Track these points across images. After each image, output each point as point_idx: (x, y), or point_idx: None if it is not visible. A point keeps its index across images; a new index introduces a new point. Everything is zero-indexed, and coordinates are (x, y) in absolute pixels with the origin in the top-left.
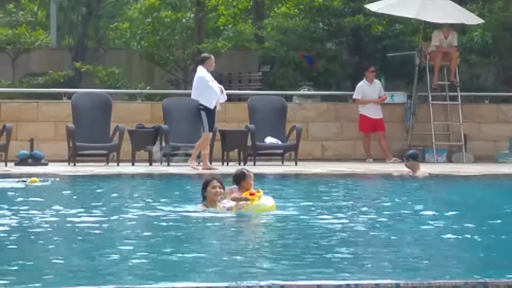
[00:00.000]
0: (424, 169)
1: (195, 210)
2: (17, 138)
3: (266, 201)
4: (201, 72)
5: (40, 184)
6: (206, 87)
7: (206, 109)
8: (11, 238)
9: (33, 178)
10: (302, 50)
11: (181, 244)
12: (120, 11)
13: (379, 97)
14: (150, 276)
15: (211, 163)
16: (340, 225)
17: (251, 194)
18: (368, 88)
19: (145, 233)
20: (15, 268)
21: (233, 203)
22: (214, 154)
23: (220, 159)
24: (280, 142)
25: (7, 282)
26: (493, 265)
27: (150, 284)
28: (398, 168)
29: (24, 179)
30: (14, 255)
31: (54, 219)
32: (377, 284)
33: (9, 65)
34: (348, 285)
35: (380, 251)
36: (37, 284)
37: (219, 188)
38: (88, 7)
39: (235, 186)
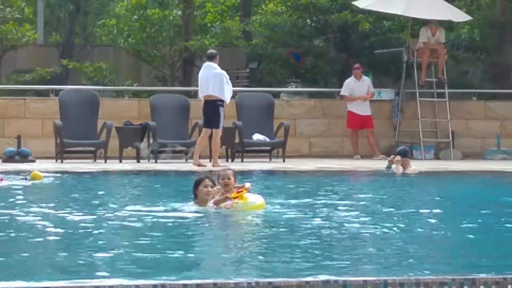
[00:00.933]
0: (415, 167)
1: (184, 207)
2: (4, 135)
3: (255, 199)
4: (219, 68)
5: (44, 181)
6: (228, 83)
7: (223, 105)
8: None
9: (37, 173)
10: (289, 46)
11: (169, 241)
12: (107, 7)
13: (367, 94)
14: (137, 273)
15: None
16: (328, 222)
17: (238, 192)
18: (356, 85)
19: (135, 231)
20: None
21: (224, 203)
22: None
23: (208, 156)
24: (267, 139)
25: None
26: (481, 262)
27: (137, 280)
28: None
29: (26, 176)
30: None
31: (53, 217)
32: (365, 281)
33: None
34: (336, 281)
35: (368, 248)
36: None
37: (211, 187)
38: (75, 3)
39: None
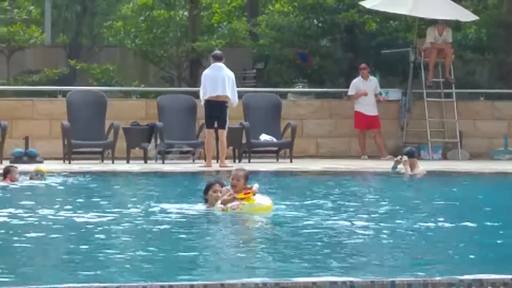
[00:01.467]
0: (423, 167)
1: (190, 208)
2: (12, 136)
3: (263, 201)
4: (228, 70)
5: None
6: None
7: (227, 106)
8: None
9: (41, 168)
10: (296, 47)
11: (176, 242)
12: (114, 8)
13: (375, 95)
14: (144, 273)
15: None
16: (335, 223)
17: (246, 194)
18: (363, 85)
19: (141, 231)
20: (17, 265)
21: (231, 204)
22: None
23: (215, 156)
24: (274, 140)
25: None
26: (489, 262)
27: (146, 281)
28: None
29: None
30: (16, 253)
31: (60, 218)
32: (372, 282)
33: (4, 62)
34: (343, 282)
35: (376, 249)
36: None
37: (220, 192)
38: (82, 4)
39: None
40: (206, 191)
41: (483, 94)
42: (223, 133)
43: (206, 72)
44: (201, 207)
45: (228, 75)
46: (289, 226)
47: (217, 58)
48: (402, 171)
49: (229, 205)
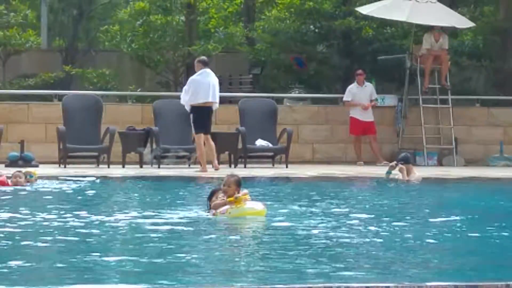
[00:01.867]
0: (419, 173)
1: (184, 213)
2: (8, 139)
3: (253, 205)
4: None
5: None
6: None
7: None
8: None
9: (30, 170)
10: (292, 52)
11: (166, 247)
12: (111, 12)
13: (371, 101)
14: (135, 278)
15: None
16: (330, 229)
17: (235, 198)
18: (359, 91)
19: (134, 236)
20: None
21: (221, 208)
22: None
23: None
24: (270, 145)
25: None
26: (484, 268)
27: (137, 285)
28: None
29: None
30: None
31: (56, 222)
32: (367, 287)
33: None
34: (338, 287)
35: (370, 254)
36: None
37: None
38: (78, 8)
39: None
40: (210, 197)
41: (479, 100)
42: (208, 137)
43: (195, 78)
44: (196, 212)
45: (216, 81)
46: (283, 231)
47: (205, 64)
48: (396, 177)
49: (219, 209)
